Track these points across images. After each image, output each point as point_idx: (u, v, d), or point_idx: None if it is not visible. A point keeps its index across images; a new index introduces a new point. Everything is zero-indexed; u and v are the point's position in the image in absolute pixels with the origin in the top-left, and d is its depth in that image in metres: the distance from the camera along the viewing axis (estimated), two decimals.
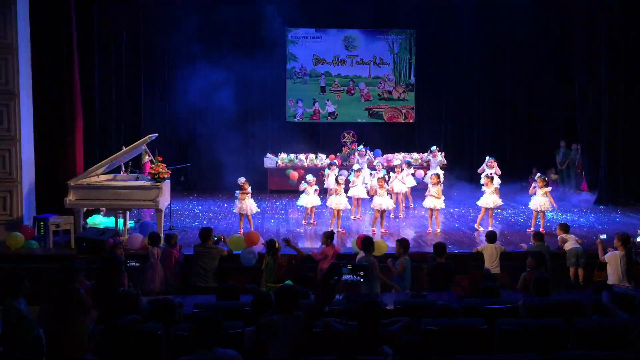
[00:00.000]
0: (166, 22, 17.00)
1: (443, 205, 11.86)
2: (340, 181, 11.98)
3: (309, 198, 12.26)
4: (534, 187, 11.60)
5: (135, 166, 13.48)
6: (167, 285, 8.94)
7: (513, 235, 11.49)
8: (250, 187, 11.53)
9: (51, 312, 6.33)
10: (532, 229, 11.60)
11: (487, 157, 13.39)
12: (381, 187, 11.74)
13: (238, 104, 17.56)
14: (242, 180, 11.50)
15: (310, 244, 10.77)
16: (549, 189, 11.62)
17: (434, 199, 11.58)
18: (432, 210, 11.68)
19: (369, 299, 5.32)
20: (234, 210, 11.61)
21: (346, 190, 12.47)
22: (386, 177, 12.51)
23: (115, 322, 5.22)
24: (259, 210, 11.84)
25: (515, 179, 16.11)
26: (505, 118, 18.31)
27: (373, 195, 12.23)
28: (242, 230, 11.33)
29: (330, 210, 11.96)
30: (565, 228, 9.96)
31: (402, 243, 8.70)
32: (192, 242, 10.17)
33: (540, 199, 11.44)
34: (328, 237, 9.20)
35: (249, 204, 11.39)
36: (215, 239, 9.27)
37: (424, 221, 12.51)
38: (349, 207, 12.15)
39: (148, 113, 17.31)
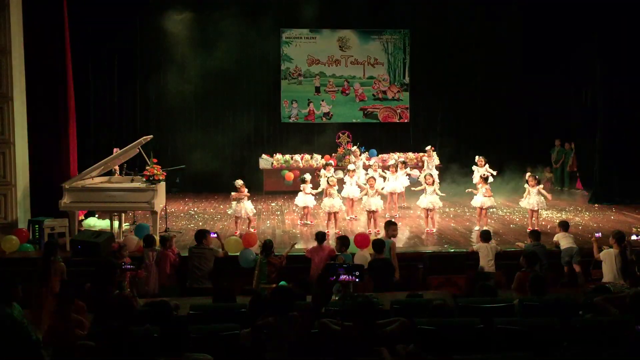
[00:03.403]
0: (160, 25, 16.95)
1: (441, 204, 11.88)
2: (331, 183, 11.89)
3: (306, 197, 12.25)
4: (527, 188, 11.62)
5: (129, 168, 13.46)
6: (163, 288, 8.92)
7: (508, 234, 11.51)
8: (247, 190, 11.54)
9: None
10: (530, 228, 11.63)
11: (477, 157, 13.54)
12: (371, 187, 11.72)
13: (233, 105, 17.59)
14: (239, 183, 11.48)
15: (306, 245, 10.74)
16: (541, 186, 11.65)
17: (431, 199, 11.59)
18: (428, 210, 11.69)
19: (364, 299, 5.32)
20: (229, 212, 11.59)
21: (340, 190, 12.47)
22: (376, 175, 12.52)
23: (111, 324, 5.20)
24: (254, 212, 11.82)
25: (509, 178, 16.13)
26: (499, 117, 18.33)
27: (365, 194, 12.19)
28: (237, 232, 11.33)
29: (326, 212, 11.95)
30: (565, 226, 9.96)
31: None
32: (188, 244, 10.15)
33: (532, 198, 11.47)
34: (316, 237, 9.24)
35: (246, 207, 11.37)
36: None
37: (420, 221, 12.53)
38: (343, 208, 12.11)
39: (142, 115, 17.29)
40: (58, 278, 8.04)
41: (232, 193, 11.51)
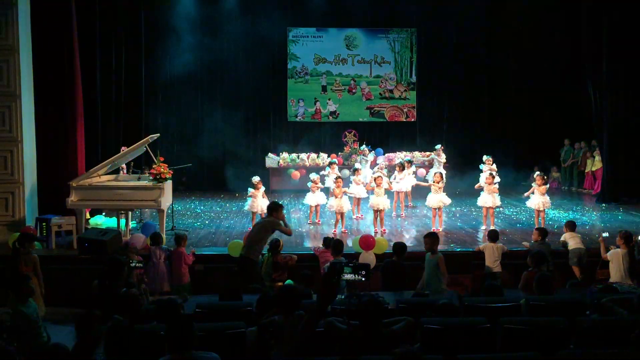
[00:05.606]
0: (167, 23, 17.00)
1: (449, 201, 11.86)
2: (337, 183, 11.80)
3: (314, 196, 12.25)
4: (533, 187, 11.59)
5: (136, 167, 13.50)
6: (176, 286, 8.96)
7: (515, 233, 11.48)
8: (263, 187, 11.76)
9: None
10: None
11: (485, 157, 13.50)
12: (378, 185, 11.66)
13: (239, 103, 17.60)
14: (256, 179, 11.70)
15: (313, 244, 10.75)
16: (547, 186, 11.61)
17: (440, 198, 11.57)
18: (436, 209, 11.65)
19: (370, 299, 5.31)
20: (246, 209, 11.72)
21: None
22: (383, 175, 12.47)
23: (118, 322, 5.22)
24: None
25: (517, 178, 16.11)
26: (507, 116, 18.28)
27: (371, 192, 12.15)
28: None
29: (332, 212, 11.92)
30: (572, 226, 9.92)
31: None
32: (194, 242, 10.19)
33: (538, 198, 11.42)
34: (323, 242, 9.25)
35: (260, 203, 11.48)
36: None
37: (426, 220, 12.51)
38: (349, 207, 12.08)
39: (149, 114, 17.33)
40: (30, 269, 8.10)
41: (250, 189, 11.70)
